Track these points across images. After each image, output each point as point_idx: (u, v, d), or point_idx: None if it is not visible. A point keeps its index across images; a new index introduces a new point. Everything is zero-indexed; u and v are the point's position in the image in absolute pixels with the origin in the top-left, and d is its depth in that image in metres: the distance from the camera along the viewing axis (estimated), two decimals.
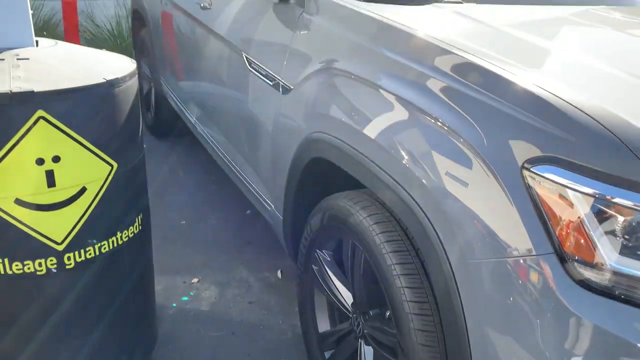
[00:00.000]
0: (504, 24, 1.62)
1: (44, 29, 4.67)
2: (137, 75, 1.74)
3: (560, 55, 1.41)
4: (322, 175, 1.68)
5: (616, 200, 0.97)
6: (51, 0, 4.67)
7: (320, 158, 1.60)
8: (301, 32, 1.80)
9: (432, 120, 1.24)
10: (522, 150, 1.07)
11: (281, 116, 1.84)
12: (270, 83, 1.88)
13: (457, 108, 1.20)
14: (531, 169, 1.05)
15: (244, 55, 2.09)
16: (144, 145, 1.93)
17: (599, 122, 1.01)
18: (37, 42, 1.65)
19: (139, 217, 1.70)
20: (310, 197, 1.75)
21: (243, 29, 2.16)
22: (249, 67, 2.04)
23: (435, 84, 1.29)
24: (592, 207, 0.99)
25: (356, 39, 1.59)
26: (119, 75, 1.56)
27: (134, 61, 1.77)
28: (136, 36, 4.05)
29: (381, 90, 1.40)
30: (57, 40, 1.74)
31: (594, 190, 0.98)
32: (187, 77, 2.93)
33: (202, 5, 2.49)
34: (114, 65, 1.65)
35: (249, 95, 2.08)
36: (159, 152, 3.73)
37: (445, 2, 1.80)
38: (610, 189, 0.97)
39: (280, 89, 1.82)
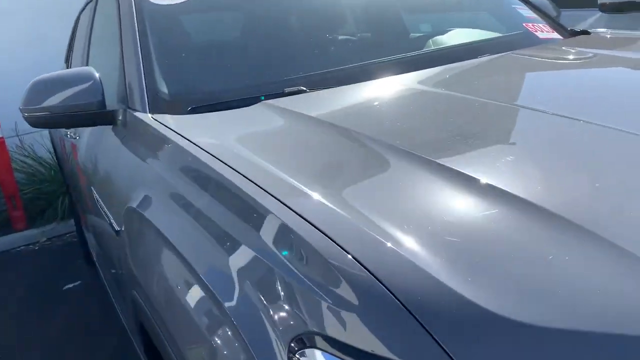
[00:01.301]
0: (339, 116, 1.29)
1: None
2: None
3: (390, 166, 0.94)
4: None
5: None
6: None
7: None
8: (119, 161, 1.49)
9: (200, 288, 0.89)
10: (287, 326, 0.71)
11: (121, 264, 1.50)
12: (108, 222, 1.56)
13: (220, 266, 0.86)
14: (297, 355, 0.68)
15: (93, 190, 1.79)
16: None
17: (380, 280, 0.66)
18: None
19: None
20: None
21: (88, 161, 1.88)
22: (98, 204, 1.73)
23: (206, 232, 0.95)
24: None
25: (157, 169, 1.26)
26: None
27: None
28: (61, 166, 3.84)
29: (162, 239, 1.06)
30: None
31: None
32: (80, 213, 2.64)
33: (68, 134, 2.24)
34: None
35: (104, 237, 1.76)
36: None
37: (286, 93, 1.48)
38: None
39: (114, 230, 1.50)
